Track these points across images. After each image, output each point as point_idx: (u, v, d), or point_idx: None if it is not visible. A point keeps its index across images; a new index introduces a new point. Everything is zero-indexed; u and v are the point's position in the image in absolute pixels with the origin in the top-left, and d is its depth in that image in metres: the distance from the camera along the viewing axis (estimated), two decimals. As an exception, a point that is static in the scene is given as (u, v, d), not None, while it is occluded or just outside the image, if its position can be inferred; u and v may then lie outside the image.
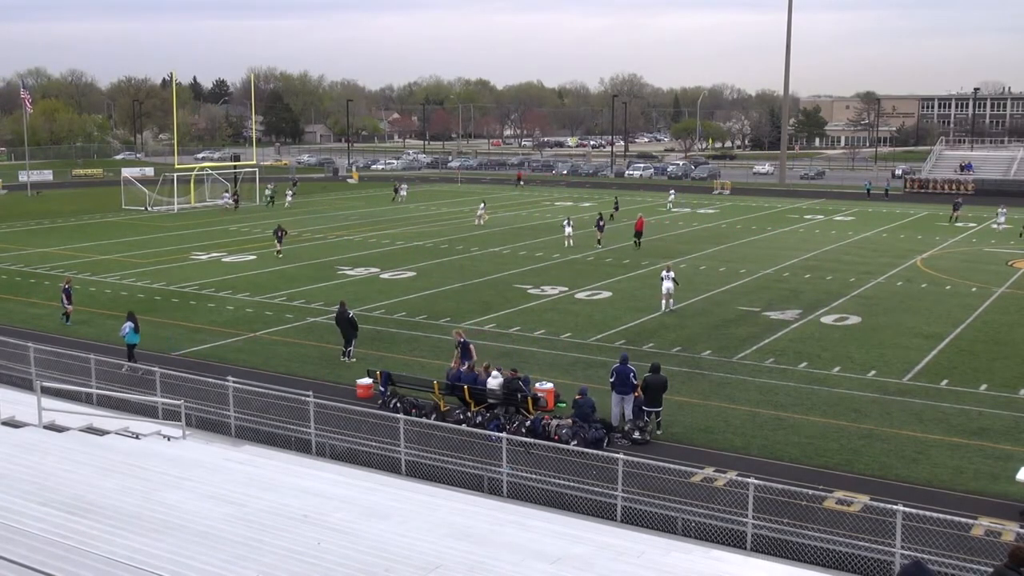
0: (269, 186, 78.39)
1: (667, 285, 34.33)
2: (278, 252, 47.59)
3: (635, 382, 21.93)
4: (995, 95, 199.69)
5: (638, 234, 50.66)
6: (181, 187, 73.02)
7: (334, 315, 29.47)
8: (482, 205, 64.65)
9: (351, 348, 28.14)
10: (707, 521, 16.55)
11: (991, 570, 12.83)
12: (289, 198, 75.03)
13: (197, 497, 12.84)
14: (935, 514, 14.95)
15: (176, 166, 75.47)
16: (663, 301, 34.34)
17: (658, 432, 21.87)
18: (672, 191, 78.84)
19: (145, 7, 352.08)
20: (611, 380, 22.25)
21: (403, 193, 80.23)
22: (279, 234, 48.36)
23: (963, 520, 15.67)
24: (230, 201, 73.15)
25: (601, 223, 52.03)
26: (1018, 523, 16.30)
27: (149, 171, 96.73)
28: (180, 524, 11.52)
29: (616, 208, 66.76)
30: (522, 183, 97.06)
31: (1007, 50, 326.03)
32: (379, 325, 32.66)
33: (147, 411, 22.26)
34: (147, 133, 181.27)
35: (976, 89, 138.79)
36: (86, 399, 23.43)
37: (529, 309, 35.18)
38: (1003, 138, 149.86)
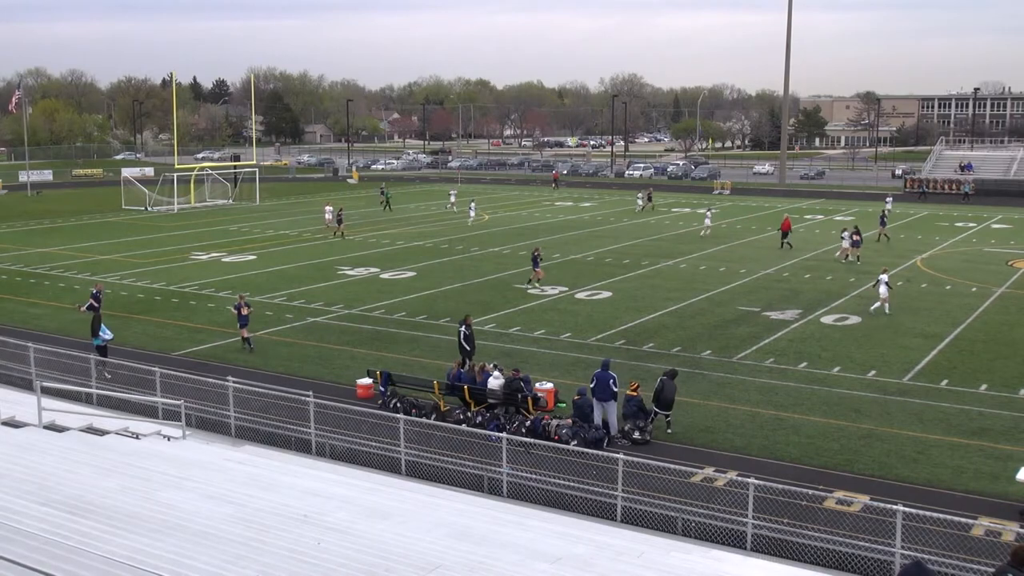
0: (382, 186, 74.35)
1: (882, 289, 34.22)
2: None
3: (615, 389, 21.84)
4: (995, 95, 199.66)
5: (784, 234, 50.41)
6: (181, 187, 73.03)
7: (461, 333, 26.67)
8: (708, 213, 58.36)
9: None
10: (707, 521, 16.55)
11: (992, 570, 12.83)
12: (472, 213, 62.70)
13: (197, 497, 12.84)
14: (935, 514, 14.94)
15: (176, 166, 75.49)
16: (884, 304, 34.12)
17: (669, 431, 21.93)
18: (889, 197, 70.98)
19: (145, 7, 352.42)
20: (591, 386, 21.96)
21: (640, 202, 71.90)
22: None
23: (963, 520, 15.67)
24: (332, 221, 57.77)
25: (857, 237, 46.12)
26: (1018, 523, 16.30)
27: (149, 171, 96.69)
28: (180, 524, 11.52)
29: (883, 221, 54.78)
30: (555, 185, 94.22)
31: (1007, 50, 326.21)
32: (379, 325, 32.66)
33: (147, 411, 22.26)
34: (147, 133, 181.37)
35: (976, 89, 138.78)
36: (86, 399, 23.43)
37: (529, 309, 35.18)
38: (1003, 138, 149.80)
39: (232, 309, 30.27)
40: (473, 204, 63.67)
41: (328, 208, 60.66)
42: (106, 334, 26.91)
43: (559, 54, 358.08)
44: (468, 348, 26.42)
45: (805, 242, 53.00)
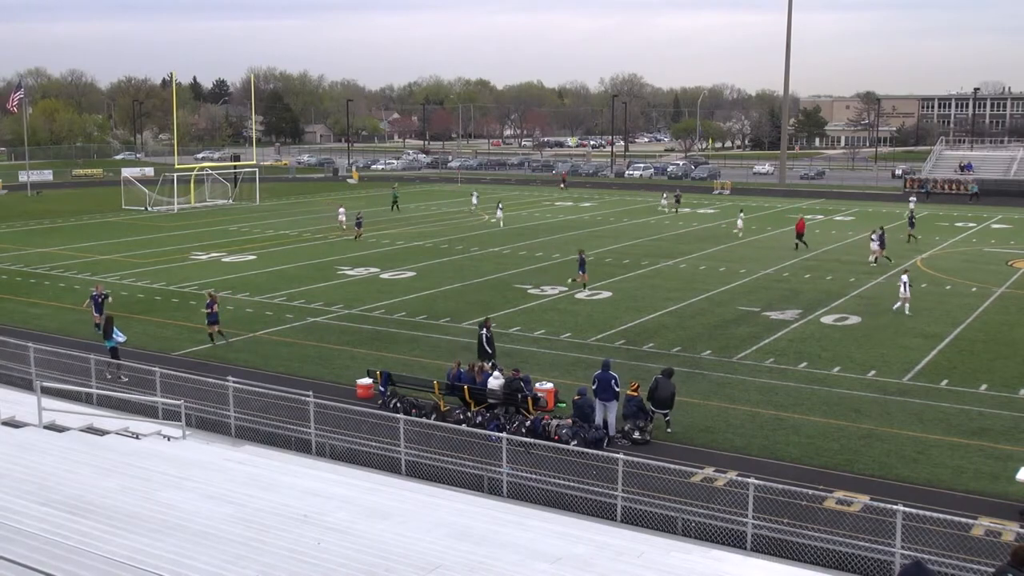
0: (394, 184, 77.54)
1: (901, 289, 34.25)
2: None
3: (617, 388, 21.85)
4: (995, 95, 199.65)
5: (799, 235, 50.40)
6: (181, 187, 73.03)
7: (483, 336, 26.33)
8: (741, 214, 59.05)
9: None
10: (707, 521, 16.55)
11: (992, 570, 12.83)
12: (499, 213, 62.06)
13: (197, 497, 12.84)
14: (935, 514, 14.95)
15: (176, 166, 75.50)
16: (903, 304, 34.03)
17: (668, 431, 21.94)
18: (913, 197, 69.61)
19: (145, 7, 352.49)
20: (593, 387, 22.02)
21: (664, 203, 71.72)
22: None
23: (963, 520, 15.67)
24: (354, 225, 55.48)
25: (882, 236, 45.38)
26: (1018, 523, 16.30)
27: (149, 171, 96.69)
28: (180, 524, 11.51)
29: (912, 222, 55.27)
30: (563, 185, 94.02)
31: (1007, 50, 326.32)
32: (379, 325, 32.66)
33: (147, 411, 22.26)
34: (147, 133, 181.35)
35: (976, 89, 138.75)
36: (86, 399, 23.42)
37: (529, 309, 35.18)
38: (1003, 138, 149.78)
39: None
40: (500, 205, 62.97)
41: (341, 210, 59.60)
42: (119, 336, 26.80)
43: (559, 54, 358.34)
44: (489, 351, 26.09)
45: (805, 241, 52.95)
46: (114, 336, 26.60)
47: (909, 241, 52.40)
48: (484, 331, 26.43)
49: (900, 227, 58.06)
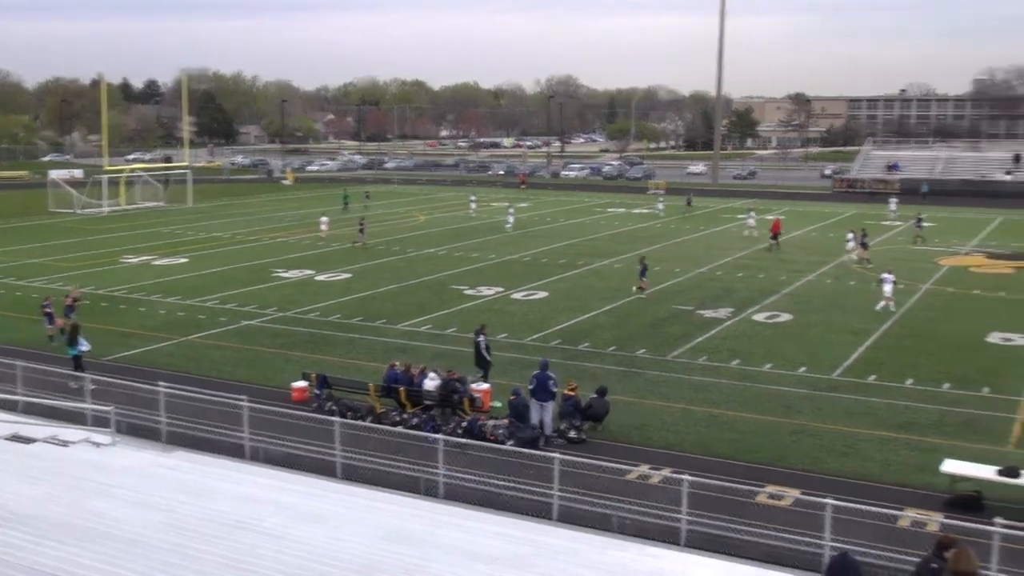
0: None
1: (887, 288, 34.52)
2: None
3: (554, 389, 21.94)
4: (921, 96, 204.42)
5: (775, 235, 50.73)
6: (111, 189, 71.63)
7: (481, 344, 25.50)
8: (752, 213, 59.57)
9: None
10: (642, 519, 16.71)
11: (918, 559, 13.14)
12: None
13: (126, 504, 12.62)
14: (864, 506, 15.28)
15: (106, 167, 74.05)
16: (888, 303, 34.31)
17: (598, 429, 22.09)
18: (893, 198, 71.55)
19: (72, 6, 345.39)
20: (531, 387, 21.96)
21: (661, 206, 71.49)
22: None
23: (890, 512, 16.04)
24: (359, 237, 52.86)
25: (864, 239, 46.63)
26: (942, 513, 16.73)
27: (78, 173, 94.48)
28: (109, 532, 11.31)
29: (920, 224, 56.28)
30: (524, 186, 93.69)
31: (935, 53, 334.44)
32: (314, 328, 32.39)
33: (75, 418, 21.77)
34: (76, 134, 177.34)
35: (902, 90, 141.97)
36: (11, 407, 22.82)
37: (465, 310, 35.17)
38: (929, 138, 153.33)
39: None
40: (511, 209, 61.70)
41: (324, 219, 56.32)
42: (84, 345, 26.14)
43: (495, 55, 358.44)
44: (488, 358, 25.34)
45: (738, 240, 53.75)
46: (78, 345, 25.97)
47: (915, 243, 53.35)
48: (481, 338, 25.44)
49: (835, 225, 59.19)
